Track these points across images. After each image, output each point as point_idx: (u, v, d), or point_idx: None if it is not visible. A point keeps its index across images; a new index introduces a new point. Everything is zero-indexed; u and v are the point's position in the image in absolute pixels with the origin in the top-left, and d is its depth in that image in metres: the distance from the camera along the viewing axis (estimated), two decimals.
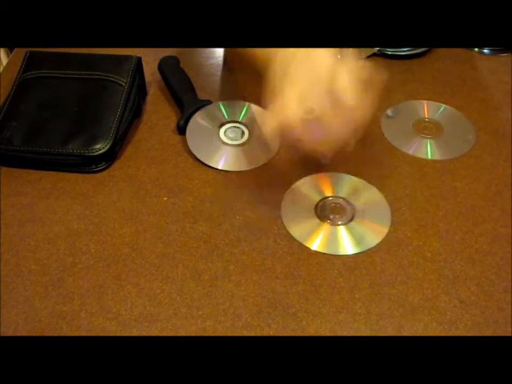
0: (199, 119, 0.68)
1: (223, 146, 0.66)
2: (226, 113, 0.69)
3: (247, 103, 0.71)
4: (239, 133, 0.67)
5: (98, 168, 0.63)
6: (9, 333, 0.49)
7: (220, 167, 0.64)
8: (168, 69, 0.75)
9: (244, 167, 0.64)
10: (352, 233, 0.57)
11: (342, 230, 0.57)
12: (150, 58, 0.76)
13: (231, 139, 0.66)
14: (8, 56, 1.06)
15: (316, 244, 0.55)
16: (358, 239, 0.56)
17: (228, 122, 0.68)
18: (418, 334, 0.48)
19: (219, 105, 0.70)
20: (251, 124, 0.68)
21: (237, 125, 0.68)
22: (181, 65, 0.76)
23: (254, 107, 0.70)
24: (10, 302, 0.51)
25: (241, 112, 0.70)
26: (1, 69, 0.80)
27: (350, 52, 0.79)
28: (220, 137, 0.67)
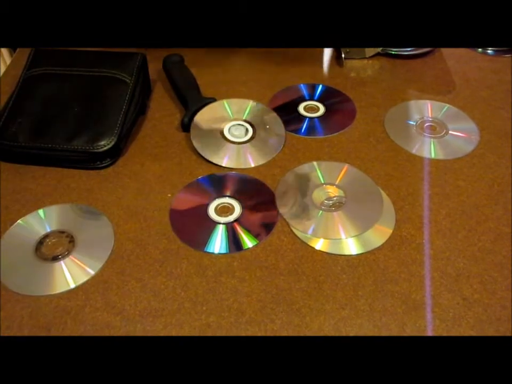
0: (203, 117, 0.68)
1: (227, 144, 0.66)
2: (230, 111, 0.70)
3: (250, 101, 0.71)
4: (243, 130, 0.67)
5: (103, 165, 0.64)
6: (14, 327, 0.49)
7: (223, 165, 0.64)
8: (173, 66, 0.76)
9: (247, 164, 0.64)
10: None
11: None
12: (155, 56, 0.77)
13: (235, 137, 0.67)
14: (11, 54, 1.06)
15: (320, 243, 0.56)
16: (361, 240, 0.56)
17: (232, 120, 0.69)
18: (421, 331, 0.48)
19: (223, 103, 0.71)
20: (255, 122, 0.68)
21: (241, 122, 0.68)
22: (186, 63, 0.76)
23: (258, 105, 0.71)
24: (15, 296, 0.51)
25: (245, 110, 0.70)
26: (6, 67, 0.80)
27: (354, 51, 0.80)
28: (224, 134, 0.67)
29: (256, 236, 0.56)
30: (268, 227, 0.57)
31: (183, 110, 0.71)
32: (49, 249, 0.55)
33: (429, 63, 0.80)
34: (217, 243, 0.55)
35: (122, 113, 0.65)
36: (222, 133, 0.67)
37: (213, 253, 0.55)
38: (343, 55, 0.80)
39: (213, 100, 0.71)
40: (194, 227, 0.57)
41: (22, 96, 0.66)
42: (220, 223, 0.57)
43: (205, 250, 0.55)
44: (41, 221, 0.58)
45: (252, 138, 0.67)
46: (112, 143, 0.62)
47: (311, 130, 0.69)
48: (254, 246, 0.55)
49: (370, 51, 0.80)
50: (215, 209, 0.59)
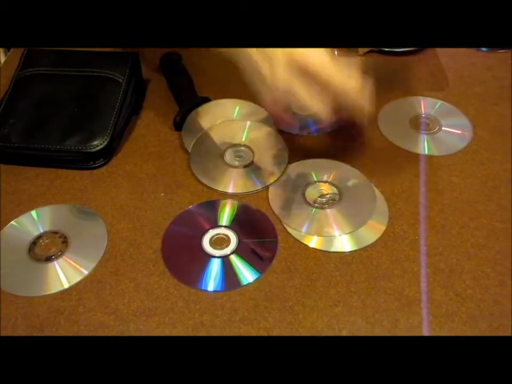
0: (195, 116, 0.68)
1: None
2: (220, 111, 0.69)
3: (239, 100, 0.71)
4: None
5: (96, 165, 0.64)
6: (8, 328, 0.49)
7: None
8: (170, 65, 0.76)
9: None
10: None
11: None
12: (152, 55, 0.77)
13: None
14: (5, 54, 1.06)
15: (314, 241, 0.56)
16: (355, 237, 0.56)
17: (228, 121, 0.68)
18: (414, 327, 0.48)
19: (213, 103, 0.70)
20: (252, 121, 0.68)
21: (238, 123, 0.68)
22: (184, 61, 0.76)
23: (247, 103, 0.70)
24: (9, 297, 0.51)
25: (235, 109, 0.70)
26: None
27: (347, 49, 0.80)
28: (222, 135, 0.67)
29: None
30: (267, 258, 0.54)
31: (177, 109, 0.71)
32: (43, 250, 0.55)
33: (422, 59, 0.80)
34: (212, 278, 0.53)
35: (115, 113, 0.65)
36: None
37: (206, 291, 0.52)
38: (335, 52, 0.79)
39: (207, 99, 0.71)
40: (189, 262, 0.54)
41: (15, 97, 0.66)
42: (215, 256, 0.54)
43: (198, 287, 0.52)
44: (34, 222, 0.58)
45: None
46: (105, 142, 0.62)
47: (304, 128, 0.69)
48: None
49: (363, 48, 0.80)
50: (210, 240, 0.56)
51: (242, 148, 0.65)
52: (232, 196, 0.60)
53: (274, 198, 0.60)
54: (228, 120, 0.68)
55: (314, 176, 0.62)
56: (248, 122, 0.67)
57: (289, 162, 0.64)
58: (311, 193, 0.60)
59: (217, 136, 0.66)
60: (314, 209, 0.59)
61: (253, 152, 0.65)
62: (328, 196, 0.60)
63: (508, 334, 0.48)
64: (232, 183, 0.61)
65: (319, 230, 0.57)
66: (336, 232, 0.56)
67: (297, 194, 0.60)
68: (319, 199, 0.60)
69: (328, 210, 0.58)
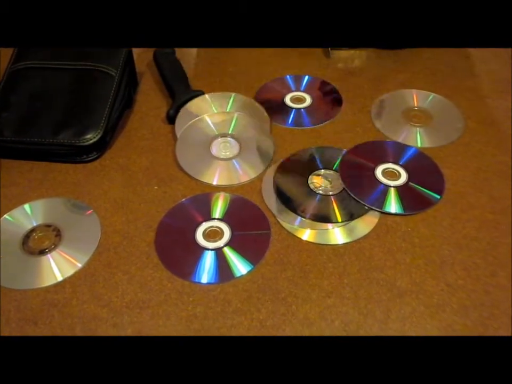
0: (188, 109, 0.68)
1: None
2: (214, 105, 0.69)
3: (233, 94, 0.71)
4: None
5: (89, 158, 0.64)
6: (1, 321, 0.49)
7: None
8: (163, 59, 0.76)
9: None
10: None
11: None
12: (145, 48, 0.77)
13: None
14: None
15: (307, 234, 0.56)
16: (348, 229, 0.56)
17: (217, 113, 0.68)
18: (405, 318, 0.49)
19: (206, 96, 0.70)
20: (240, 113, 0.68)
21: (226, 115, 0.68)
22: (177, 55, 0.76)
23: (241, 96, 0.70)
24: (2, 290, 0.52)
25: (229, 103, 0.70)
26: None
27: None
28: (209, 127, 0.67)
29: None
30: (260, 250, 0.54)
31: (170, 102, 0.71)
32: (36, 243, 0.55)
33: (415, 52, 0.80)
34: (206, 270, 0.53)
35: (108, 106, 0.65)
36: (206, 125, 0.67)
37: (200, 283, 0.52)
38: (329, 48, 0.79)
39: (201, 92, 0.71)
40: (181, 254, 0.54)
41: (7, 90, 0.66)
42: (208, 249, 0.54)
43: (192, 279, 0.52)
44: (27, 215, 0.58)
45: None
46: (99, 136, 0.62)
47: (297, 121, 0.69)
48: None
49: None
50: (203, 233, 0.56)
51: (229, 139, 0.65)
52: (217, 187, 0.60)
53: (266, 193, 0.59)
54: (216, 112, 0.68)
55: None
56: (236, 114, 0.67)
57: (276, 154, 0.64)
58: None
59: (204, 127, 0.66)
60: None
61: (239, 144, 0.65)
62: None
63: (498, 323, 0.48)
64: (217, 175, 0.61)
65: (312, 223, 0.57)
66: (329, 225, 0.56)
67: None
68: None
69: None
